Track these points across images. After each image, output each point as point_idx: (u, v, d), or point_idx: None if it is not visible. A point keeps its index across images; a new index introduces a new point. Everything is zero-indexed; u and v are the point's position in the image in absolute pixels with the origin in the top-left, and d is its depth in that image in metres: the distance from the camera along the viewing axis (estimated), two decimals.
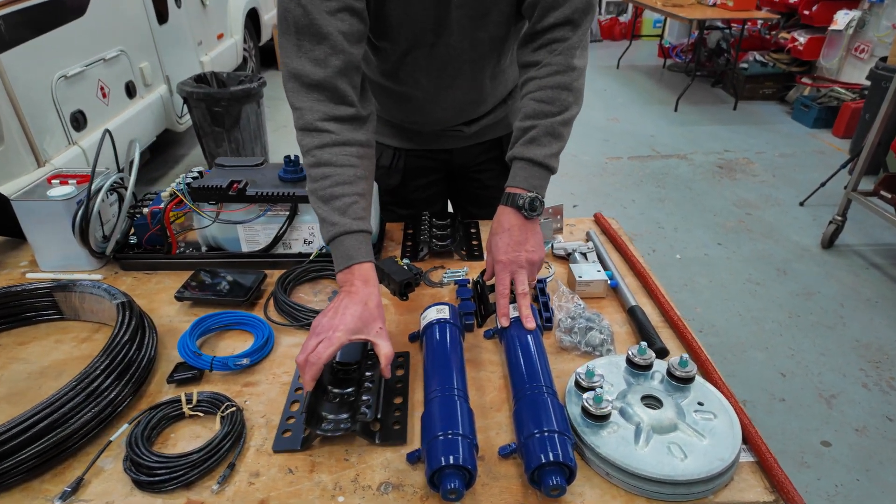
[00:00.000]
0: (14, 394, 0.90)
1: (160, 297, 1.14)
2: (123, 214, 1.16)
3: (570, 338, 0.99)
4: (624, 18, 8.60)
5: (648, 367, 0.87)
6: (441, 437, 0.73)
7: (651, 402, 0.82)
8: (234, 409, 0.83)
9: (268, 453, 0.80)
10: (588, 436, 0.78)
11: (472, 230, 1.37)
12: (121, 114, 3.17)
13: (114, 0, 3.12)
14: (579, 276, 1.11)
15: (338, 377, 0.87)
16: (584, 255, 1.23)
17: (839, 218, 3.09)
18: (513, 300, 0.99)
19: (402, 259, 1.20)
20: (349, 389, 0.85)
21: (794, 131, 4.89)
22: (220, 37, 4.81)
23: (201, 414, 0.85)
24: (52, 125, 2.59)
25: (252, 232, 1.19)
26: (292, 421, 0.84)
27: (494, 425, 0.84)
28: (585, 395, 0.80)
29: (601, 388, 0.82)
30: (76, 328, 1.05)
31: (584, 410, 0.79)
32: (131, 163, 1.21)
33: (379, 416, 0.83)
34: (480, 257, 1.27)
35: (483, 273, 1.14)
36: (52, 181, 1.20)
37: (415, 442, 0.81)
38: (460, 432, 0.73)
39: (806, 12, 5.21)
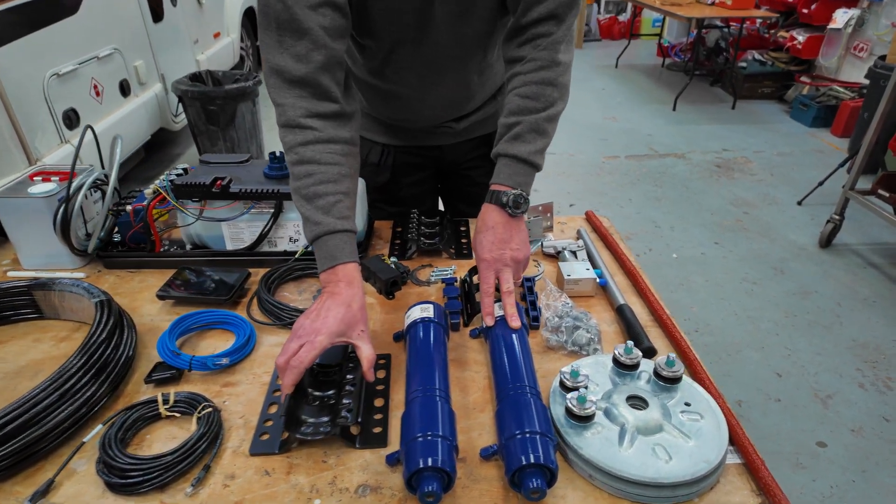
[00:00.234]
0: None
1: (143, 295, 1.12)
2: (104, 211, 1.14)
3: (557, 337, 0.97)
4: (623, 17, 8.58)
5: (635, 366, 0.86)
6: (420, 439, 0.71)
7: (637, 402, 0.81)
8: (210, 409, 0.81)
9: (244, 455, 0.78)
10: (571, 437, 0.76)
11: (462, 228, 1.36)
12: (115, 112, 3.15)
13: None
14: (568, 274, 1.10)
15: (318, 380, 0.85)
16: (574, 253, 1.21)
17: (837, 217, 3.07)
18: (498, 299, 0.98)
19: (389, 257, 1.19)
20: (330, 392, 0.83)
21: (792, 130, 4.88)
22: (216, 35, 4.79)
23: (178, 415, 0.83)
24: (44, 123, 2.58)
25: (237, 230, 1.18)
26: (270, 424, 0.82)
27: (477, 426, 0.83)
28: (569, 396, 0.79)
29: (585, 388, 0.81)
30: (56, 327, 1.04)
31: (568, 411, 0.78)
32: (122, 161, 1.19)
33: (360, 419, 0.81)
34: (469, 256, 1.25)
35: (471, 271, 1.13)
36: (35, 178, 1.19)
37: (395, 444, 0.79)
38: (440, 434, 0.72)
39: (805, 11, 5.19)
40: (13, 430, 0.74)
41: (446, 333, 0.95)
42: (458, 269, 1.20)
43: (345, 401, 0.81)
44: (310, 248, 1.16)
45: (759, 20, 5.92)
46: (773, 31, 5.88)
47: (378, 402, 0.86)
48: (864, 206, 2.91)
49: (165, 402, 0.83)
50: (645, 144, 4.60)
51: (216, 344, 0.99)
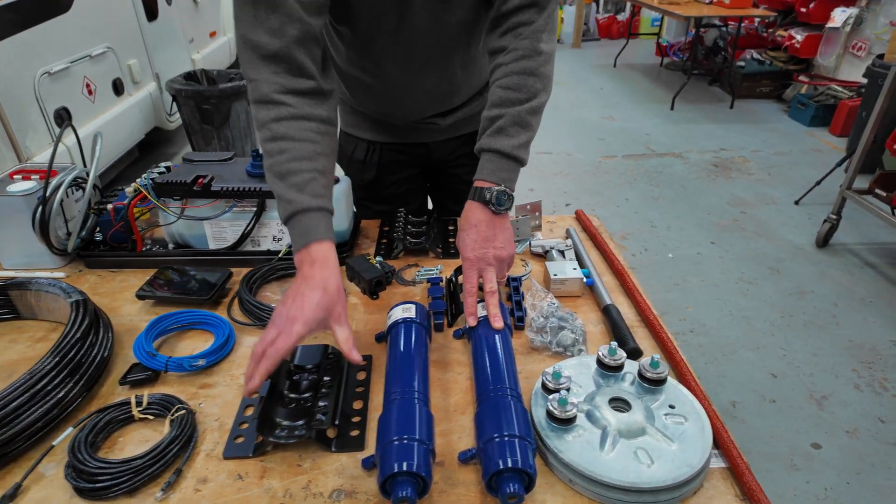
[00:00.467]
0: None
1: (123, 295, 1.11)
2: (83, 210, 1.12)
3: (541, 338, 0.95)
4: (621, 17, 8.56)
5: (619, 368, 0.84)
6: (396, 443, 0.69)
7: (619, 404, 0.79)
8: (184, 412, 0.79)
9: (218, 458, 0.76)
10: (552, 440, 0.74)
11: (450, 227, 1.34)
12: (108, 111, 3.14)
13: None
14: (554, 273, 1.08)
15: (294, 381, 0.84)
16: (562, 252, 1.19)
17: (834, 216, 3.06)
18: (482, 299, 0.96)
19: (374, 257, 1.17)
20: (306, 395, 0.82)
21: (790, 129, 4.86)
22: (212, 35, 4.78)
23: (151, 417, 0.81)
24: (35, 122, 2.56)
25: (219, 228, 1.16)
26: (245, 426, 0.80)
27: (457, 429, 0.81)
28: (550, 398, 0.77)
29: (567, 390, 0.79)
30: (32, 328, 1.02)
31: (549, 414, 0.76)
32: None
33: (337, 422, 0.79)
34: (457, 255, 1.23)
35: (457, 271, 1.11)
36: (15, 176, 1.17)
37: (372, 447, 0.77)
38: (416, 437, 0.70)
39: (803, 10, 5.17)
40: None
41: (428, 334, 0.94)
42: (444, 269, 1.18)
43: (321, 403, 0.80)
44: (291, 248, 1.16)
45: (757, 19, 5.90)
46: (771, 30, 5.87)
47: (357, 405, 0.84)
48: (862, 206, 2.89)
49: (139, 404, 0.81)
50: (642, 144, 4.58)
51: (195, 345, 0.98)
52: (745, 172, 4.07)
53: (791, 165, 4.17)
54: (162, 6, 3.78)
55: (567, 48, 7.99)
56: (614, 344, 0.84)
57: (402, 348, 0.86)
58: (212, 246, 1.18)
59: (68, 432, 0.78)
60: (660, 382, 0.81)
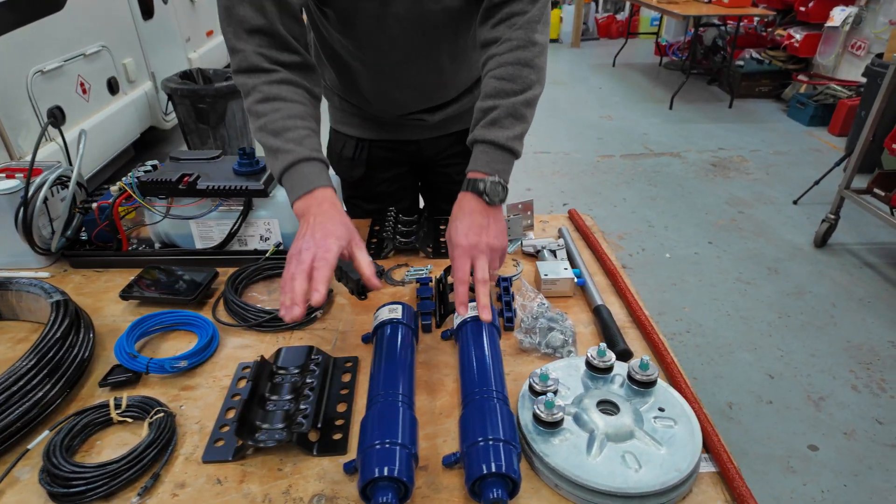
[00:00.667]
0: None
1: (108, 295, 1.09)
2: (66, 209, 1.11)
3: (531, 339, 0.94)
4: (621, 16, 8.54)
5: (608, 370, 0.82)
6: (377, 447, 0.68)
7: (608, 407, 0.77)
8: (163, 414, 0.78)
9: (197, 462, 0.75)
10: (538, 444, 0.73)
11: (442, 227, 1.32)
12: (102, 110, 3.12)
13: None
14: (545, 273, 1.06)
15: (276, 383, 0.82)
16: (554, 252, 1.17)
17: (832, 216, 3.04)
18: (472, 299, 0.94)
19: None
20: (287, 397, 0.80)
21: (789, 129, 4.84)
22: (209, 34, 4.76)
23: (130, 420, 0.80)
24: (28, 120, 2.55)
25: (205, 228, 1.14)
26: (226, 429, 0.79)
27: (443, 432, 0.79)
28: (537, 401, 0.75)
29: (555, 392, 0.77)
30: (13, 328, 1.00)
31: (535, 417, 0.74)
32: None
33: (319, 425, 0.78)
34: (448, 255, 1.22)
35: (446, 271, 1.10)
36: None
37: (355, 451, 0.76)
38: (398, 441, 0.68)
39: (802, 9, 5.15)
40: None
41: (415, 335, 0.92)
42: (434, 269, 1.16)
43: (302, 406, 0.78)
44: (280, 247, 1.14)
45: (756, 18, 5.88)
46: (770, 30, 5.85)
47: (341, 407, 0.83)
48: (860, 206, 2.88)
49: (118, 406, 0.80)
50: (641, 143, 4.57)
51: (178, 345, 0.96)
52: (743, 172, 4.05)
53: (790, 165, 4.16)
54: (158, 5, 3.76)
55: (566, 48, 7.97)
56: (603, 345, 0.82)
57: (386, 350, 0.84)
58: (198, 245, 1.17)
59: (44, 435, 0.76)
60: (649, 385, 0.79)
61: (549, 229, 1.32)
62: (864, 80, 4.21)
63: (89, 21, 3.02)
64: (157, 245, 1.19)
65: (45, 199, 1.13)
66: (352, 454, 0.75)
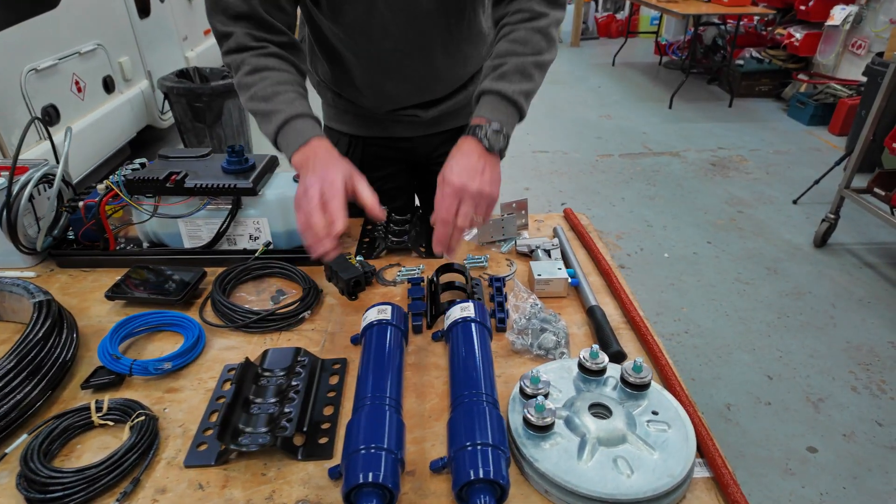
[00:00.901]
0: None
1: (94, 295, 1.07)
2: (51, 208, 1.09)
3: (523, 340, 0.92)
4: (620, 15, 8.52)
5: (601, 372, 0.80)
6: (362, 452, 0.66)
7: (600, 411, 0.75)
8: (144, 417, 0.76)
9: (179, 466, 0.73)
10: (528, 448, 0.71)
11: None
12: (98, 109, 3.11)
13: None
14: (538, 273, 1.04)
15: (261, 386, 0.80)
16: (548, 252, 1.16)
17: (832, 216, 3.02)
18: (464, 299, 0.93)
19: (355, 256, 1.14)
20: (272, 400, 0.78)
21: (789, 128, 4.82)
22: (206, 32, 4.74)
23: (111, 423, 0.78)
24: (21, 119, 2.53)
25: (194, 227, 1.12)
26: (210, 433, 0.77)
27: (431, 436, 0.78)
28: (527, 404, 0.73)
29: (545, 395, 0.75)
30: None
31: (525, 420, 0.73)
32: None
33: (305, 428, 0.76)
34: (440, 255, 1.20)
35: (438, 271, 1.08)
36: None
37: (341, 456, 0.74)
38: (384, 446, 0.67)
39: (802, 7, 5.13)
40: None
41: (405, 336, 0.90)
42: (426, 269, 1.15)
43: (286, 409, 0.76)
44: (270, 246, 1.12)
45: (756, 17, 5.86)
46: (770, 29, 5.83)
47: (328, 411, 0.81)
48: (860, 205, 2.86)
49: (99, 409, 0.78)
50: (640, 143, 4.55)
51: (164, 347, 0.94)
52: (743, 171, 4.03)
53: (789, 164, 4.14)
54: (154, 3, 3.75)
55: (566, 47, 7.95)
56: (596, 347, 0.81)
57: (375, 352, 0.83)
58: (187, 244, 1.15)
59: (23, 439, 0.75)
60: (643, 387, 0.78)
61: (543, 228, 1.30)
62: (864, 79, 4.19)
63: (84, 19, 3.00)
64: (145, 244, 1.17)
65: (31, 198, 1.11)
66: (338, 459, 0.74)
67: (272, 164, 1.17)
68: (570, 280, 1.05)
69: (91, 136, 3.00)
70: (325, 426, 0.78)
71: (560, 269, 1.06)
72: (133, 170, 1.14)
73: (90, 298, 1.06)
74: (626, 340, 0.94)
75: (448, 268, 1.09)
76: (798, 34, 5.21)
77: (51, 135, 1.21)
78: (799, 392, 2.13)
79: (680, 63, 6.61)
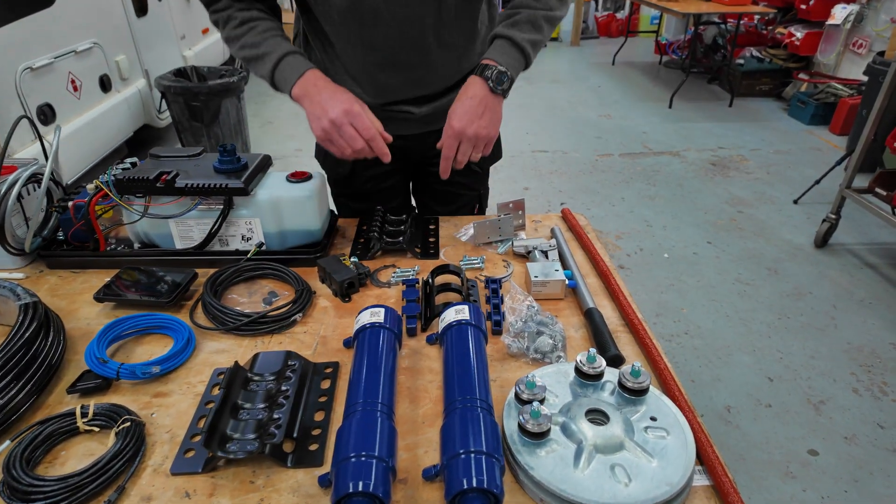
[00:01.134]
0: None
1: (84, 297, 1.05)
2: (38, 207, 1.07)
3: (519, 343, 0.90)
4: (621, 15, 8.50)
5: (598, 377, 0.79)
6: (353, 460, 0.64)
7: (597, 416, 0.74)
8: (130, 423, 0.74)
9: (165, 474, 0.71)
10: (523, 456, 0.69)
11: (431, 226, 1.29)
12: (94, 108, 3.08)
13: None
14: (535, 275, 1.03)
15: (250, 391, 0.78)
16: (545, 253, 1.14)
17: (833, 216, 3.00)
18: (460, 301, 0.91)
19: (350, 257, 1.12)
20: (261, 406, 0.76)
21: (790, 128, 4.80)
22: (205, 31, 4.72)
23: (97, 429, 0.76)
24: (16, 118, 2.50)
25: (185, 227, 1.11)
26: (197, 439, 0.75)
27: (424, 442, 0.76)
28: (523, 409, 0.72)
29: (541, 401, 0.74)
30: None
31: (521, 427, 0.71)
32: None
33: (295, 434, 0.74)
34: (436, 256, 1.19)
35: (433, 272, 1.06)
36: None
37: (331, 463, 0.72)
38: (375, 454, 0.65)
39: (803, 6, 5.11)
40: None
41: (399, 340, 0.88)
42: (421, 270, 1.13)
43: (275, 416, 0.74)
44: (262, 247, 1.10)
45: (756, 16, 5.84)
46: (770, 28, 5.80)
47: (318, 416, 0.79)
48: (861, 205, 2.84)
49: (84, 414, 0.76)
50: (640, 142, 4.53)
51: (153, 350, 0.93)
52: (743, 171, 4.01)
53: (790, 164, 4.12)
54: (152, 2, 3.72)
55: (566, 46, 7.93)
56: (593, 351, 0.79)
57: (367, 356, 0.81)
58: (178, 245, 1.13)
59: (5, 446, 0.73)
60: (641, 393, 0.76)
61: (541, 229, 1.28)
62: (865, 78, 4.17)
63: (81, 17, 2.98)
64: (136, 245, 1.15)
65: (20, 198, 1.10)
66: (328, 466, 0.72)
67: (265, 163, 1.15)
68: (567, 282, 1.03)
69: (87, 135, 2.98)
70: (316, 432, 0.76)
71: (557, 270, 1.04)
72: (123, 169, 1.12)
73: (79, 300, 1.05)
74: (624, 343, 0.93)
75: (444, 269, 1.07)
76: (799, 33, 5.19)
77: (40, 134, 1.19)
78: (800, 394, 2.12)
79: (680, 62, 6.59)
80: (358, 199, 1.34)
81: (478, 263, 1.14)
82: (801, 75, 5.24)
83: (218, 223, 1.08)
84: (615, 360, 0.86)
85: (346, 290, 1.04)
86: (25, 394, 0.79)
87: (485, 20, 1.20)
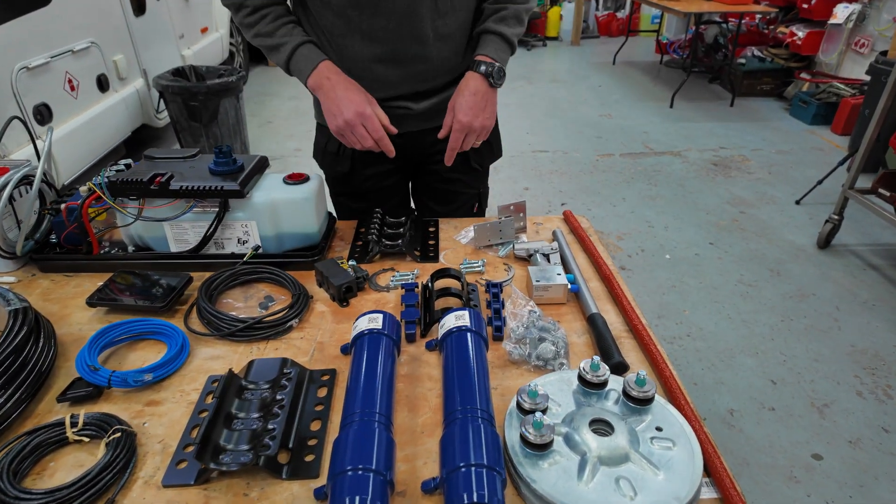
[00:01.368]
0: None
1: (76, 301, 1.03)
2: (29, 210, 1.05)
3: (520, 350, 0.88)
4: (621, 14, 8.47)
5: (602, 385, 0.77)
6: (349, 473, 0.62)
7: (601, 427, 0.72)
8: (121, 433, 0.72)
9: (157, 486, 0.69)
10: (525, 468, 0.67)
11: (430, 229, 1.26)
12: (91, 108, 3.06)
13: None
14: (536, 279, 1.00)
15: (244, 400, 0.76)
16: (547, 256, 1.12)
17: (836, 217, 2.98)
18: (461, 307, 0.89)
19: (347, 261, 1.10)
20: (255, 415, 0.74)
21: (791, 128, 4.78)
22: (204, 30, 4.70)
23: (87, 439, 0.74)
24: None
25: (180, 230, 1.09)
26: (190, 450, 0.73)
27: (423, 453, 0.74)
28: (525, 420, 0.70)
29: (543, 411, 0.71)
30: None
31: (523, 438, 0.69)
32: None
33: (291, 445, 0.72)
34: (436, 259, 1.17)
35: (433, 276, 1.04)
36: None
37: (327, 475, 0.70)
38: (372, 467, 0.63)
39: (805, 6, 5.09)
40: None
41: (397, 346, 0.86)
42: (421, 274, 1.11)
43: (270, 426, 0.72)
44: (259, 250, 1.08)
45: (758, 15, 5.82)
46: (772, 27, 5.78)
47: (315, 426, 0.77)
48: (864, 206, 2.81)
49: (74, 424, 0.74)
50: (641, 142, 4.50)
51: (147, 356, 0.90)
52: (745, 171, 3.99)
53: (792, 164, 4.09)
54: (150, 1, 3.70)
55: (566, 45, 7.90)
56: (597, 358, 0.77)
57: (365, 364, 0.79)
58: (173, 248, 1.11)
59: None
60: (646, 402, 0.74)
61: (542, 231, 1.26)
62: (867, 78, 4.15)
63: (78, 17, 2.96)
64: (130, 248, 1.13)
65: (12, 200, 1.08)
66: (325, 478, 0.70)
67: (262, 165, 1.13)
68: (569, 286, 1.01)
69: (85, 135, 2.96)
70: (312, 442, 0.74)
71: (559, 274, 1.02)
72: (117, 171, 1.10)
73: (72, 305, 1.03)
74: (628, 350, 0.90)
75: (443, 273, 1.05)
76: (800, 32, 5.17)
77: (33, 134, 1.17)
78: (804, 397, 2.09)
79: (681, 62, 6.57)
80: (357, 197, 1.32)
81: (478, 267, 1.12)
82: (803, 75, 5.21)
83: (213, 226, 1.06)
84: (619, 368, 0.84)
85: (343, 295, 1.02)
86: (14, 402, 0.77)
87: (474, 14, 1.20)
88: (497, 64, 1.11)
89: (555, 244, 1.16)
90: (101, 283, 1.02)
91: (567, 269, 1.08)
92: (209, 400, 0.80)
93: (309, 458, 0.72)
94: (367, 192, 1.32)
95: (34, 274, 1.12)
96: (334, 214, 1.31)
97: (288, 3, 1.17)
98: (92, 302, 0.98)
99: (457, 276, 1.04)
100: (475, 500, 0.60)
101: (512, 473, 0.69)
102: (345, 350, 0.90)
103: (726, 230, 3.24)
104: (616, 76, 6.36)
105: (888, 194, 2.72)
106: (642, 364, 0.88)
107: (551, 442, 0.68)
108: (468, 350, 0.81)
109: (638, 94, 5.70)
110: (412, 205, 1.49)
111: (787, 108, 5.16)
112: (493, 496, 0.60)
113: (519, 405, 0.74)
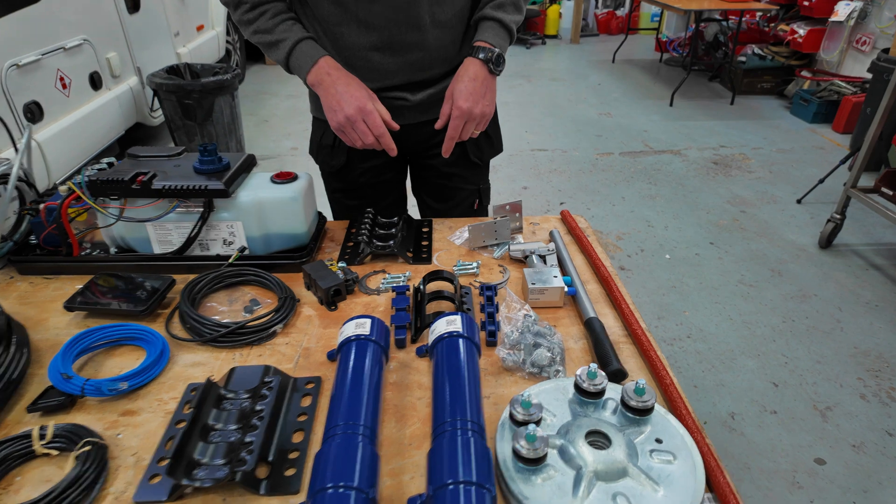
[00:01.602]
0: None
1: (55, 305, 0.99)
2: (3, 210, 1.01)
3: (514, 356, 0.84)
4: (621, 12, 8.44)
5: (599, 394, 0.73)
6: (329, 491, 0.58)
7: (598, 439, 0.68)
8: (91, 446, 0.68)
9: (128, 502, 0.65)
10: (517, 484, 0.63)
11: (424, 229, 1.23)
12: (84, 106, 3.02)
13: None
14: (532, 282, 0.97)
15: (222, 410, 0.72)
16: (543, 258, 1.08)
17: (838, 216, 2.94)
18: (453, 312, 0.85)
19: (337, 263, 1.06)
20: (233, 427, 0.70)
21: (792, 126, 4.74)
22: (199, 28, 4.66)
23: (56, 452, 0.70)
24: (2, 116, 2.44)
25: (164, 231, 1.05)
26: (164, 463, 0.69)
27: (411, 467, 0.70)
28: (517, 432, 0.66)
29: (537, 423, 0.68)
30: None
31: (515, 452, 0.65)
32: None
33: (271, 458, 0.68)
34: (428, 261, 1.13)
35: (425, 279, 1.00)
36: None
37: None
38: (354, 485, 0.59)
39: (806, 3, 5.05)
40: None
41: (385, 353, 0.82)
42: (412, 276, 1.07)
43: (248, 439, 0.68)
44: (246, 252, 1.04)
45: (758, 13, 5.78)
46: (773, 25, 5.74)
47: (297, 437, 0.73)
48: (867, 205, 2.78)
49: (42, 436, 0.70)
50: (640, 141, 4.47)
51: (125, 363, 0.87)
52: (745, 170, 3.96)
53: (793, 163, 4.06)
54: None
55: (565, 44, 7.87)
56: (594, 366, 0.73)
57: (350, 372, 0.75)
58: (157, 250, 1.07)
59: None
60: (645, 412, 0.70)
61: (539, 232, 1.22)
62: (869, 75, 4.12)
63: (70, 13, 2.92)
64: (112, 250, 1.09)
65: None
66: (305, 493, 0.66)
67: (249, 163, 1.09)
68: (566, 289, 0.97)
69: (77, 134, 2.92)
70: (294, 455, 0.70)
71: (556, 276, 0.98)
72: (99, 170, 1.06)
73: (50, 309, 0.99)
74: (627, 356, 0.87)
75: (436, 275, 1.01)
76: (801, 30, 5.13)
77: (10, 133, 1.13)
78: (806, 400, 2.06)
79: (681, 60, 6.53)
80: (352, 194, 1.29)
81: (472, 269, 1.08)
82: (804, 73, 5.18)
83: (198, 227, 1.02)
84: (617, 376, 0.81)
85: (331, 298, 0.98)
86: None
87: (471, 4, 1.16)
88: (496, 50, 1.08)
89: (552, 245, 1.12)
90: (81, 286, 0.98)
91: (564, 272, 1.04)
92: (187, 410, 0.77)
93: (290, 472, 0.68)
94: (363, 188, 1.29)
95: (12, 276, 1.08)
96: (325, 215, 1.27)
97: None
98: (70, 306, 0.94)
99: (450, 278, 1.00)
100: None
101: (503, 489, 0.65)
102: (331, 356, 0.87)
103: (727, 230, 3.21)
104: (616, 74, 6.32)
105: (891, 193, 2.68)
106: (642, 371, 0.84)
107: (545, 456, 0.64)
108: (459, 357, 0.77)
109: (638, 93, 5.66)
110: (406, 204, 1.46)
111: (788, 107, 5.13)
112: None
113: (512, 416, 0.70)
